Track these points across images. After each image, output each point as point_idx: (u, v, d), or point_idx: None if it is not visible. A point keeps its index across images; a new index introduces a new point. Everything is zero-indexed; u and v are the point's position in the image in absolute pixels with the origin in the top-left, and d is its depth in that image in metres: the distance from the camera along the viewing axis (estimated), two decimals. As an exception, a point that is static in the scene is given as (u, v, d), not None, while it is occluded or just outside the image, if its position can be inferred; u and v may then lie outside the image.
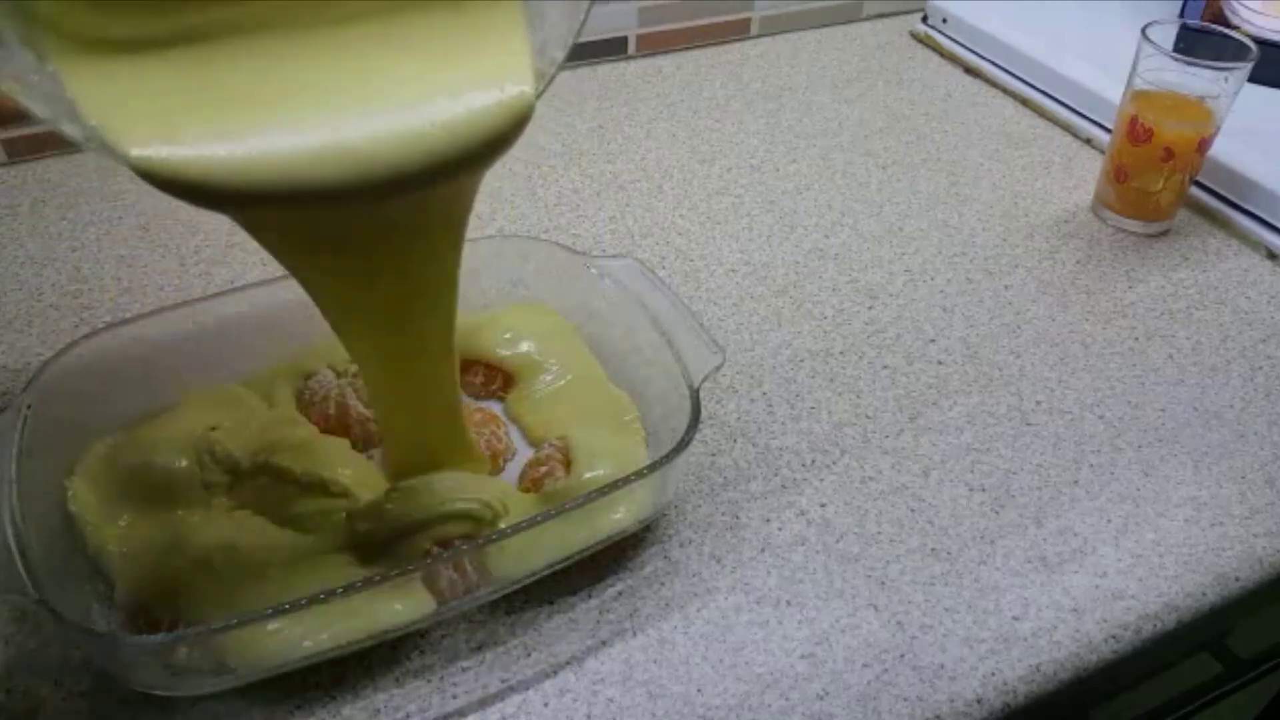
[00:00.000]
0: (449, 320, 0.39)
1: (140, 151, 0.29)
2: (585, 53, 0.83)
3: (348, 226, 0.34)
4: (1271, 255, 0.67)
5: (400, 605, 0.39)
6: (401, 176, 0.31)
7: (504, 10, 0.33)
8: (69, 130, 0.29)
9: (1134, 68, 0.64)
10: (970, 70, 0.87)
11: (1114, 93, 0.68)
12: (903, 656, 0.41)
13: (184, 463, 0.44)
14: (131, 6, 0.29)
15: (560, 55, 0.33)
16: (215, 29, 0.30)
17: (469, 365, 0.51)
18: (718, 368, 0.46)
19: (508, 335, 0.51)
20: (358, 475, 0.43)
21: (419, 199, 0.33)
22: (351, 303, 0.37)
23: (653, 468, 0.41)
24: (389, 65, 0.32)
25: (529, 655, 0.41)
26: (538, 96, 0.32)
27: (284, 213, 0.32)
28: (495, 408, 0.50)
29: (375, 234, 0.34)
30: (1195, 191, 0.71)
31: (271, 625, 0.36)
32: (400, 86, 0.31)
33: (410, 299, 0.37)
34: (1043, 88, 0.81)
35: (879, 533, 0.47)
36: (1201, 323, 0.61)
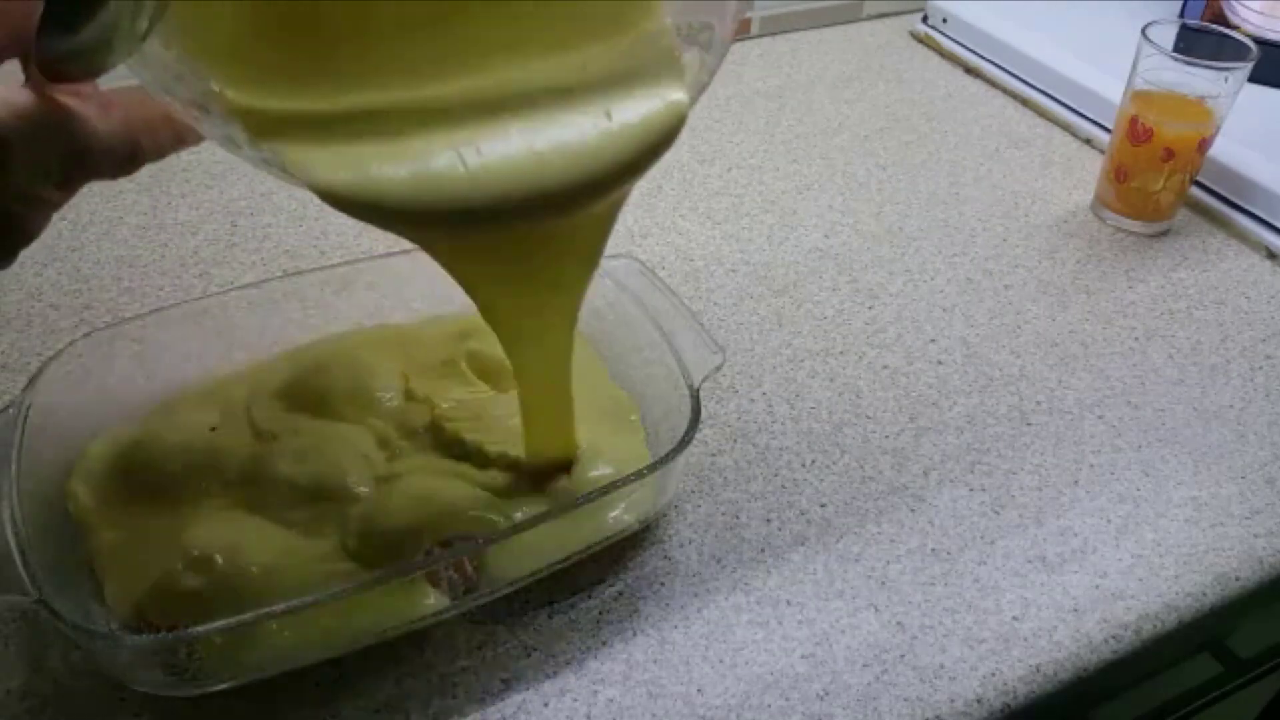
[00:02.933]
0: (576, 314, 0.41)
1: (327, 177, 0.30)
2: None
3: (512, 239, 0.36)
4: (1271, 255, 0.67)
5: (400, 605, 0.39)
6: (562, 190, 0.32)
7: (657, 32, 0.35)
8: (255, 156, 0.31)
9: (1134, 68, 0.64)
10: (970, 70, 0.87)
11: (1114, 93, 0.68)
12: (903, 656, 0.41)
13: (184, 463, 0.44)
14: (316, 93, 0.31)
15: (715, 63, 0.36)
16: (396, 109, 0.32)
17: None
18: (718, 368, 0.46)
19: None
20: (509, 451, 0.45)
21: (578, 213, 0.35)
22: (510, 299, 0.39)
23: (653, 468, 0.41)
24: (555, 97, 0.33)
25: (529, 655, 0.41)
26: (692, 104, 0.35)
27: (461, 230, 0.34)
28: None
29: (534, 243, 0.36)
30: (1195, 191, 0.71)
31: (272, 625, 0.36)
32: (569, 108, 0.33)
33: (558, 296, 0.40)
34: (1043, 88, 0.82)
35: (879, 533, 0.47)
36: (1201, 323, 0.61)
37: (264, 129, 0.30)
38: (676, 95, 0.35)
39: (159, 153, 0.30)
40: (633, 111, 0.34)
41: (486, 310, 0.39)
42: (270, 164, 0.31)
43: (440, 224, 0.32)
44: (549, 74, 0.32)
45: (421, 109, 0.31)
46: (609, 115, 0.33)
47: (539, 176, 0.32)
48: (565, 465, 0.45)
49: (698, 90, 0.36)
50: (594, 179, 0.33)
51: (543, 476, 0.44)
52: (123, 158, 0.28)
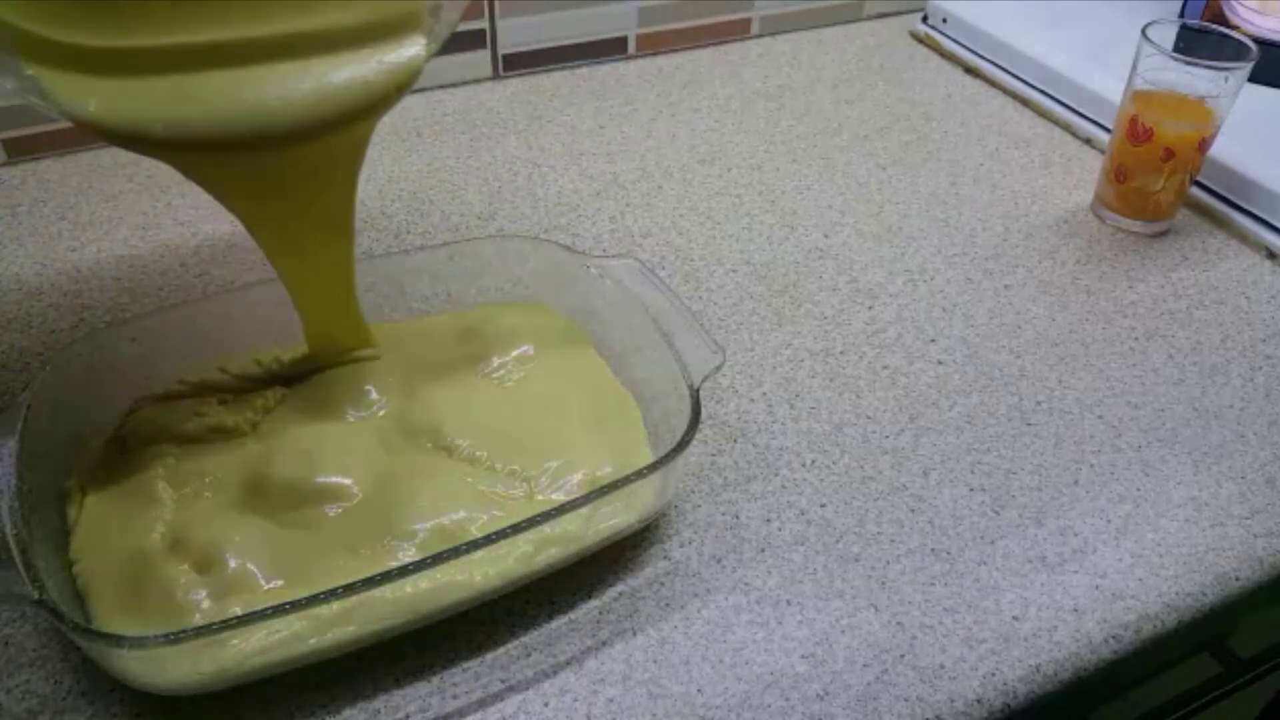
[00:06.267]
0: (347, 220, 0.46)
1: (98, 108, 0.36)
2: (585, 53, 0.83)
3: (273, 164, 0.42)
4: (1271, 255, 0.67)
5: (400, 604, 0.39)
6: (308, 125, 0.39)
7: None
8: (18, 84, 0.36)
9: (1134, 68, 0.64)
10: (970, 70, 0.87)
11: (1114, 93, 0.68)
12: (903, 656, 0.41)
13: (183, 462, 0.44)
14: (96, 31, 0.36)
15: (454, 19, 0.42)
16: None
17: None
18: (718, 368, 0.46)
19: (508, 334, 0.51)
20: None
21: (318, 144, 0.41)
22: (271, 213, 0.44)
23: (653, 468, 0.41)
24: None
25: (529, 655, 0.41)
26: (429, 59, 0.41)
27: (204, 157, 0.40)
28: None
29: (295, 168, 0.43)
30: (1195, 191, 0.71)
31: (272, 624, 0.36)
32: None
33: (314, 210, 0.45)
34: (1043, 88, 0.82)
35: (879, 533, 0.47)
36: (1201, 323, 0.61)
37: (34, 56, 0.35)
38: (413, 51, 0.41)
39: None
40: (372, 63, 0.40)
41: (250, 224, 0.44)
42: (30, 92, 0.36)
43: (197, 150, 0.39)
44: (298, 24, 0.38)
45: (186, 50, 0.36)
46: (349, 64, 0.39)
47: (268, 112, 0.38)
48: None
49: (435, 45, 0.42)
50: (319, 118, 0.39)
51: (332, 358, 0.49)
52: None
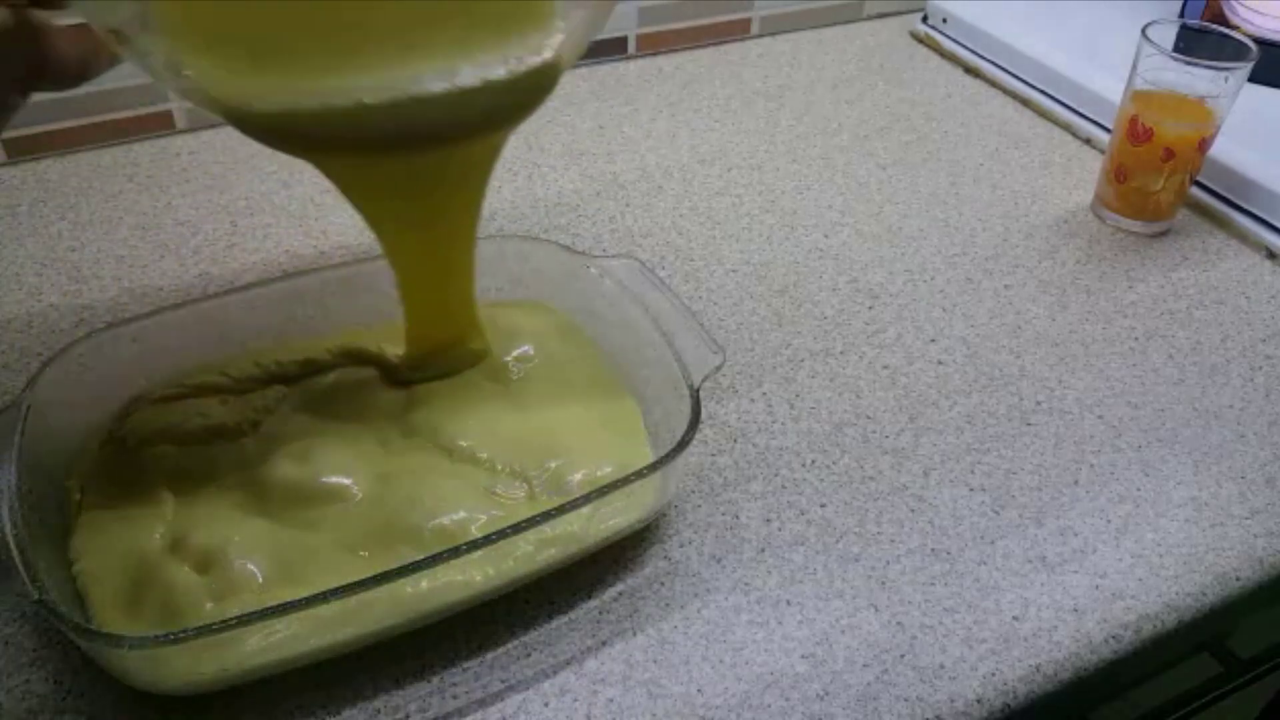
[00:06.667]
0: (473, 222, 0.47)
1: (257, 104, 0.36)
2: (585, 52, 0.83)
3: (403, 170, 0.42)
4: (1271, 255, 0.67)
5: (401, 604, 0.39)
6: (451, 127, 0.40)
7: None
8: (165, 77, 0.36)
9: (1134, 68, 0.64)
10: (970, 70, 0.87)
11: (1114, 93, 0.68)
12: (903, 656, 0.41)
13: (183, 461, 0.44)
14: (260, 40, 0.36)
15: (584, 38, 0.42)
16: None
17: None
18: (718, 368, 0.46)
19: (509, 334, 0.51)
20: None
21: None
22: (396, 214, 0.45)
23: (653, 468, 0.41)
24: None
25: (529, 655, 0.41)
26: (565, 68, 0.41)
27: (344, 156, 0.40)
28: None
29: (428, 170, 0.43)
30: (1195, 191, 0.71)
31: (272, 624, 0.36)
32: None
33: (444, 209, 0.46)
34: (1043, 88, 0.82)
35: (879, 533, 0.47)
36: (1201, 323, 0.61)
37: (193, 53, 0.35)
38: (546, 56, 0.40)
39: (99, 70, 0.34)
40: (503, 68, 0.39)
41: (377, 227, 0.44)
42: (187, 90, 0.36)
43: (345, 149, 0.39)
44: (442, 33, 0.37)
45: (336, 50, 0.36)
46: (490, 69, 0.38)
47: (423, 114, 0.38)
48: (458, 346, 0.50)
49: (572, 54, 0.42)
50: (468, 122, 0.40)
51: (441, 356, 0.49)
52: (74, 72, 0.32)
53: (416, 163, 0.41)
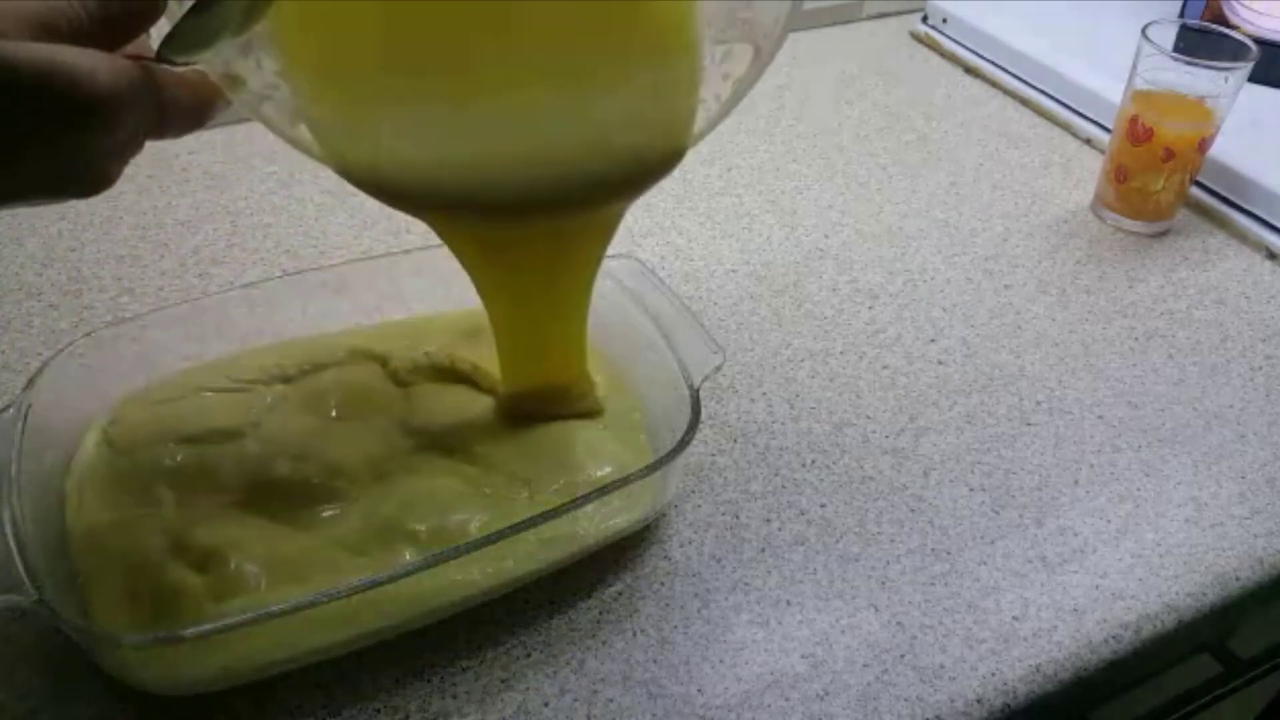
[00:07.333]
0: (590, 283, 0.46)
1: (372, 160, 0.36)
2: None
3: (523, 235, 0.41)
4: (1271, 255, 0.67)
5: (401, 604, 0.39)
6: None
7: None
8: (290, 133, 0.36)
9: (1134, 68, 0.64)
10: (970, 70, 0.87)
11: (1114, 93, 0.68)
12: (903, 656, 0.41)
13: (182, 461, 0.44)
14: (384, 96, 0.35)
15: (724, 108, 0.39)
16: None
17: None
18: (718, 368, 0.46)
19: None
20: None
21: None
22: (509, 279, 0.44)
23: (653, 468, 0.41)
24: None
25: (529, 655, 0.41)
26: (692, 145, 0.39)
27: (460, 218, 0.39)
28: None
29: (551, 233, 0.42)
30: (1195, 191, 0.71)
31: (271, 625, 0.36)
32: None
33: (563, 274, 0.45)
34: (1043, 88, 0.81)
35: (879, 533, 0.47)
36: (1201, 323, 0.61)
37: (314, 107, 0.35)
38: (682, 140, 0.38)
39: (211, 116, 0.35)
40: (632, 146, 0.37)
41: (489, 294, 0.44)
42: (299, 141, 0.36)
43: (460, 210, 0.38)
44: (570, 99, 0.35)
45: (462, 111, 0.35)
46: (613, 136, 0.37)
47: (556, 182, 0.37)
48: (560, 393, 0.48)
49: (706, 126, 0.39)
50: (597, 189, 0.38)
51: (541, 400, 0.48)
52: (191, 120, 0.33)
53: (542, 228, 0.40)
